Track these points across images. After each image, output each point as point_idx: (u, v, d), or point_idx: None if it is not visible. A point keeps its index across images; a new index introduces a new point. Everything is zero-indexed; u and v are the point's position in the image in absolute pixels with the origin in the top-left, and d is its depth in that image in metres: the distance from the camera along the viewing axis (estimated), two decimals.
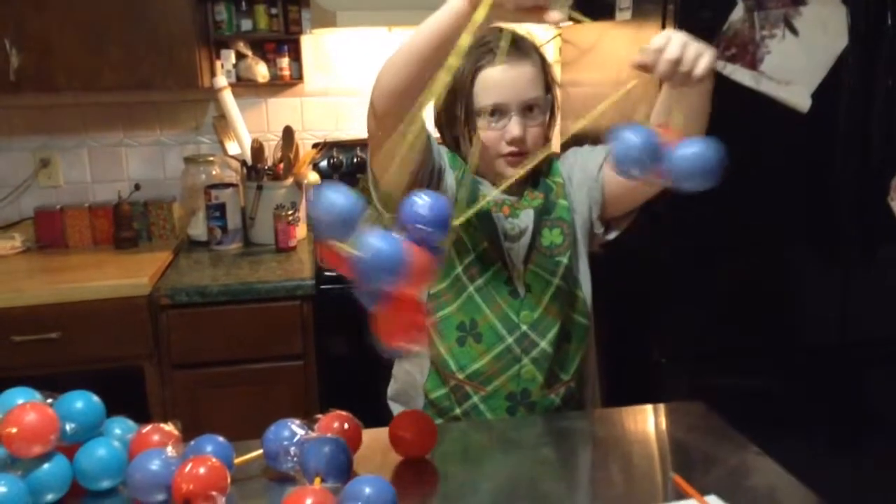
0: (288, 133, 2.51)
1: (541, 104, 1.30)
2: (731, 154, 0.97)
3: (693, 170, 0.95)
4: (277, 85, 2.60)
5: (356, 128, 2.66)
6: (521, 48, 1.28)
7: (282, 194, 2.48)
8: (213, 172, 2.55)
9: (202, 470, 0.91)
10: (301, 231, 2.52)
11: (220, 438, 1.02)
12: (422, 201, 0.89)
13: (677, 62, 1.02)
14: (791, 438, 1.47)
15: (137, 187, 2.57)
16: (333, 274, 2.14)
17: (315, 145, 2.60)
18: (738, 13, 1.74)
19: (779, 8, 1.74)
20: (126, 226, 2.49)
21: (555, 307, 1.31)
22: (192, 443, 1.02)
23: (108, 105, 2.54)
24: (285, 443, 0.99)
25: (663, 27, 1.79)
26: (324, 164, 2.59)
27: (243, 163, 2.53)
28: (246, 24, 2.50)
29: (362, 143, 2.58)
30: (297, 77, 2.59)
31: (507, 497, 1.03)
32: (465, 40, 0.93)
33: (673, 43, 1.02)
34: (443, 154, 1.29)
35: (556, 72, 1.67)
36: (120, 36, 2.21)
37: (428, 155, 1.20)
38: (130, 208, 2.50)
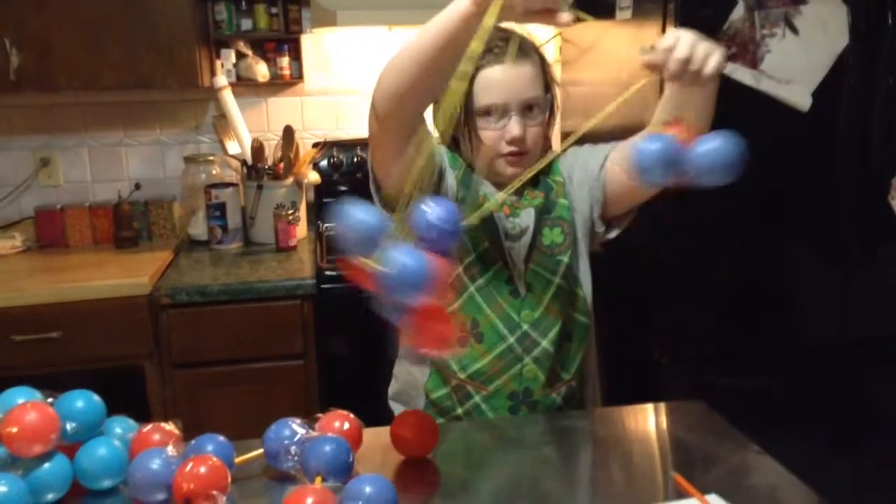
0: (288, 132, 2.51)
1: (540, 104, 1.30)
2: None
3: (714, 165, 0.95)
4: (277, 84, 2.60)
5: (356, 127, 2.66)
6: (521, 48, 1.28)
7: (282, 194, 2.48)
8: (214, 172, 2.55)
9: (203, 469, 0.91)
10: (301, 230, 2.52)
11: (221, 438, 1.02)
12: (432, 210, 0.90)
13: (687, 61, 1.02)
14: (791, 438, 1.47)
15: (138, 187, 2.57)
16: (334, 273, 2.14)
17: (315, 145, 2.60)
18: (738, 12, 1.74)
19: (779, 7, 1.74)
20: (126, 225, 2.49)
21: (556, 306, 1.31)
22: (193, 442, 1.02)
23: (109, 104, 2.54)
24: (286, 442, 0.99)
25: (663, 26, 1.79)
26: (324, 163, 2.58)
27: (243, 162, 2.53)
28: (246, 24, 2.50)
29: (362, 143, 2.58)
30: (298, 76, 2.59)
31: (508, 496, 1.03)
32: (477, 46, 0.93)
33: (682, 42, 1.02)
34: (443, 154, 1.30)
35: (556, 71, 1.67)
36: (120, 35, 2.21)
37: (432, 158, 1.20)
38: (131, 208, 2.50)
